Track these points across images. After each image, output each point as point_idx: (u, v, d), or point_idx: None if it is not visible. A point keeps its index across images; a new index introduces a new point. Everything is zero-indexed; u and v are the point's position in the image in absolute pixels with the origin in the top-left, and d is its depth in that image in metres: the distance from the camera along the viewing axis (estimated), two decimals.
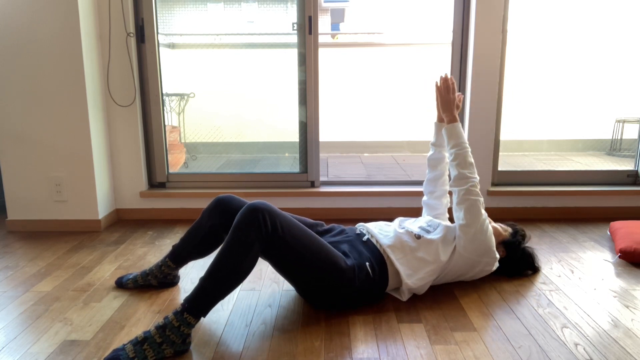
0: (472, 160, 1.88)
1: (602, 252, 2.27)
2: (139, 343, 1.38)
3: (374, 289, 1.70)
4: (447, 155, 1.95)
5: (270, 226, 1.48)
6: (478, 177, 1.86)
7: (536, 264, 2.01)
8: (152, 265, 1.89)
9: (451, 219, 2.11)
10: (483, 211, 1.81)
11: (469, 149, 1.89)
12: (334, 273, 1.59)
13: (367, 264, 1.67)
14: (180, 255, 1.81)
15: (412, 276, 1.72)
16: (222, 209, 1.74)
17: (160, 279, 1.86)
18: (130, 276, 1.89)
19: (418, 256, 1.74)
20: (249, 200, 1.63)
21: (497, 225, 1.96)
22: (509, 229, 1.98)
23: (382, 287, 1.73)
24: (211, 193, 2.75)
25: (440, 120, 2.05)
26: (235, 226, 1.47)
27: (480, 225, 1.77)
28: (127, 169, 2.76)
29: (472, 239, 1.77)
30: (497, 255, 1.85)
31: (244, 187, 2.86)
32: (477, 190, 1.82)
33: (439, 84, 1.99)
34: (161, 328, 1.40)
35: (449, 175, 1.94)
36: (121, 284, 1.88)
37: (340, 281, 1.60)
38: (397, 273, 1.72)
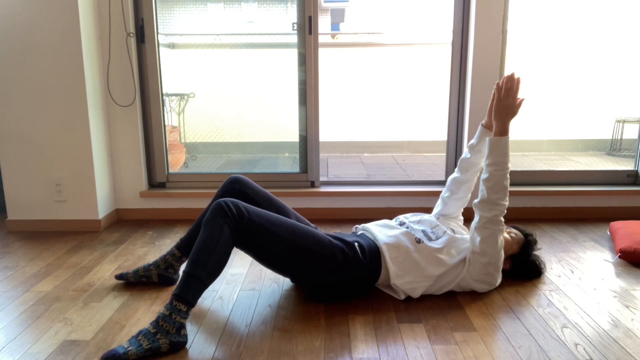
0: (507, 183, 1.68)
1: (602, 252, 2.27)
2: (134, 337, 1.41)
3: (364, 272, 1.70)
4: (483, 167, 1.76)
5: (236, 211, 1.54)
6: (507, 203, 1.69)
7: (540, 271, 1.96)
8: (156, 258, 1.91)
9: (464, 216, 2.09)
10: (500, 240, 1.72)
11: (509, 170, 1.69)
12: (309, 244, 1.61)
13: (356, 244, 1.69)
14: (187, 241, 1.84)
15: (401, 277, 1.71)
16: (234, 181, 1.84)
17: (162, 270, 1.86)
18: (132, 270, 1.91)
19: (413, 258, 1.72)
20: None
21: (508, 236, 1.87)
22: (520, 238, 1.90)
23: (373, 274, 1.72)
24: (211, 193, 2.75)
25: (488, 125, 1.81)
26: (204, 220, 1.54)
27: (493, 257, 1.72)
28: (127, 169, 2.76)
29: (481, 267, 1.74)
30: (498, 283, 1.82)
31: None
32: (502, 219, 1.69)
33: (500, 84, 1.72)
34: (155, 321, 1.44)
35: (476, 184, 1.85)
36: (121, 277, 1.90)
37: (321, 254, 1.61)
38: (387, 270, 1.72)
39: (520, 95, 1.72)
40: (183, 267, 2.02)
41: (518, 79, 1.69)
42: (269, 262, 1.66)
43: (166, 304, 1.45)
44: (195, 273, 1.46)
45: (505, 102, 1.69)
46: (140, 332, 1.41)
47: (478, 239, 1.71)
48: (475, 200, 1.74)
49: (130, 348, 1.37)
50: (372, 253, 1.71)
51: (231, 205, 1.54)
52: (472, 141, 1.88)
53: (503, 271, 1.89)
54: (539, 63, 3.52)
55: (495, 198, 1.68)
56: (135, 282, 1.90)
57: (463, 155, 1.93)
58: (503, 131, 1.69)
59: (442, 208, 2.04)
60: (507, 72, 2.70)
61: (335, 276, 1.66)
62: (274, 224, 1.59)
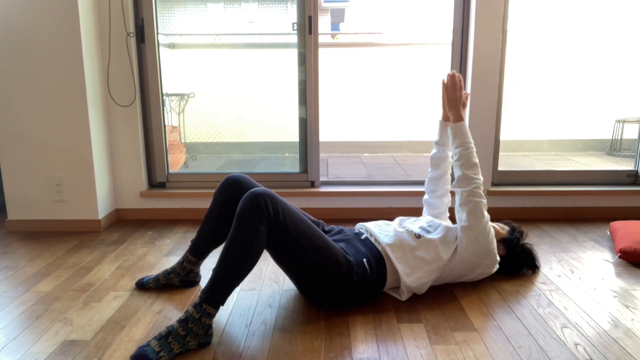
0: (476, 160, 1.84)
1: (602, 252, 2.27)
2: (164, 337, 1.41)
3: (371, 286, 1.70)
4: (451, 155, 1.92)
5: (273, 211, 1.50)
6: (482, 178, 1.83)
7: (536, 262, 2.00)
8: (174, 264, 1.89)
9: (451, 218, 2.12)
10: (486, 213, 1.79)
11: (474, 149, 1.85)
12: (332, 265, 1.59)
13: (364, 260, 1.68)
14: (199, 246, 1.82)
15: (410, 275, 1.72)
16: (232, 185, 1.78)
17: (183, 276, 1.85)
18: (152, 277, 1.89)
19: (417, 255, 1.74)
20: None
21: (495, 225, 1.96)
22: (507, 227, 1.98)
23: (380, 284, 1.73)
24: (211, 193, 2.75)
25: (445, 118, 2.01)
26: (239, 213, 1.49)
27: (482, 228, 1.76)
28: (127, 169, 2.76)
29: (474, 241, 1.76)
30: (498, 258, 1.84)
31: None
32: (481, 191, 1.79)
33: (445, 81, 1.94)
34: (183, 321, 1.43)
35: (452, 175, 1.93)
36: (142, 285, 1.88)
37: (338, 275, 1.61)
38: (395, 272, 1.72)
39: (467, 91, 1.89)
40: (203, 266, 2.02)
41: (459, 76, 1.92)
42: (284, 264, 1.65)
43: (194, 304, 1.45)
44: (227, 276, 1.45)
45: (453, 95, 1.91)
46: (169, 333, 1.41)
47: (464, 213, 1.78)
48: (453, 182, 1.86)
49: (162, 354, 1.37)
50: (379, 265, 1.71)
51: (269, 204, 1.50)
52: (436, 138, 2.05)
53: (501, 260, 1.92)
54: (539, 63, 3.52)
55: (469, 173, 1.81)
56: (155, 288, 1.88)
57: (431, 153, 2.09)
58: (459, 118, 1.89)
59: (428, 211, 2.12)
60: (507, 72, 2.71)
61: (343, 291, 1.66)
62: (304, 235, 1.56)
